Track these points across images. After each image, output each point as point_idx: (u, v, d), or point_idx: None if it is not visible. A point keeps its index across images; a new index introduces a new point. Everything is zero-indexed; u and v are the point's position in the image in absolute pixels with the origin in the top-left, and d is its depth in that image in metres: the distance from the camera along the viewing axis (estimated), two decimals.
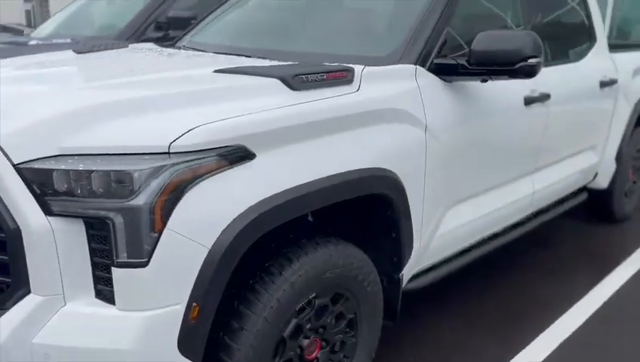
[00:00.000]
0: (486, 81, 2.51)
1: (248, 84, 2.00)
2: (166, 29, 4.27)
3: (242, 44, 2.84)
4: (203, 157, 1.67)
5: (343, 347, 2.28)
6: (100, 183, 1.60)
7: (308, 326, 2.09)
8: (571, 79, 3.41)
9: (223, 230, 1.70)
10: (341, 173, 1.99)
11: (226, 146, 1.72)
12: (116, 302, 1.64)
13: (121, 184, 1.59)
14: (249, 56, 2.62)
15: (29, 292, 1.65)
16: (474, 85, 2.60)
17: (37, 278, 1.64)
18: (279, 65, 2.26)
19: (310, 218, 2.47)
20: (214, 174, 1.69)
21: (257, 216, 1.75)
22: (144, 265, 1.60)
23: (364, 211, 2.34)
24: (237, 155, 1.74)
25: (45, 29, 5.30)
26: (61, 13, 5.36)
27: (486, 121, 2.70)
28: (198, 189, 1.66)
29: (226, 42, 2.94)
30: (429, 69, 2.45)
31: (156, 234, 1.60)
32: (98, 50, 2.85)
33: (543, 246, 4.09)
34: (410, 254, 2.42)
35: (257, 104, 1.88)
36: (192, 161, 1.66)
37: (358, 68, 2.22)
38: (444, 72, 2.48)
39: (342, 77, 2.13)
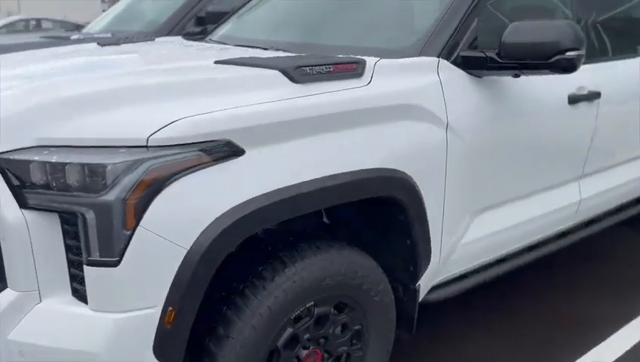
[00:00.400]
0: (518, 76, 2.27)
1: (246, 75, 1.88)
2: (205, 24, 4.25)
3: (263, 36, 2.74)
4: (184, 152, 1.57)
5: (349, 360, 2.13)
6: (74, 176, 1.53)
7: (306, 335, 1.95)
8: (628, 76, 3.07)
9: (203, 230, 1.59)
10: (342, 173, 1.84)
11: (210, 141, 1.61)
12: (89, 302, 1.57)
13: (94, 178, 1.52)
14: (266, 49, 2.52)
15: (6, 286, 1.61)
16: (507, 81, 2.37)
17: (12, 273, 1.59)
18: (283, 57, 2.14)
19: (326, 220, 2.35)
20: (196, 170, 1.59)
21: (242, 217, 1.63)
22: (115, 264, 1.52)
23: (378, 215, 2.18)
24: (223, 151, 1.63)
25: (97, 24, 5.43)
26: (112, 10, 5.47)
27: (521, 121, 2.46)
28: (178, 186, 1.56)
29: (248, 35, 2.85)
30: (455, 63, 2.25)
31: (129, 233, 1.51)
32: (120, 43, 2.82)
33: (593, 257, 3.75)
34: (427, 263, 2.23)
35: (252, 97, 1.76)
36: (171, 155, 1.56)
37: (370, 60, 2.06)
38: (472, 65, 2.27)
39: (350, 69, 1.98)
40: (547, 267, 3.42)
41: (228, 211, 1.62)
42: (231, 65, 1.97)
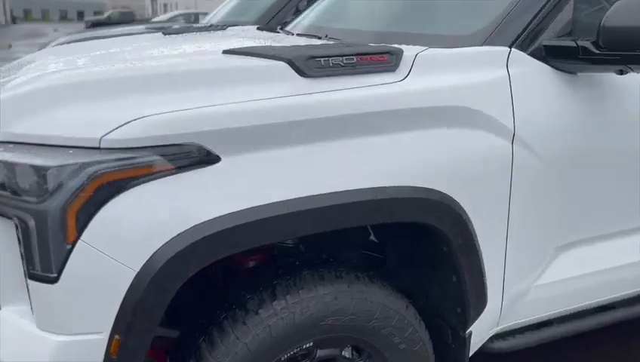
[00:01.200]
0: (623, 72, 1.70)
1: (246, 67, 1.57)
2: None
3: (325, 24, 2.44)
4: (140, 157, 1.33)
5: None
6: (23, 179, 1.36)
7: None
8: None
9: (157, 250, 1.33)
10: (348, 191, 1.47)
11: (175, 145, 1.35)
12: (35, 319, 1.40)
13: (38, 181, 1.33)
14: (319, 37, 2.21)
15: None
16: (610, 78, 1.80)
17: None
18: (299, 46, 1.80)
19: (373, 237, 2.00)
20: (154, 179, 1.34)
21: (205, 238, 1.35)
22: (53, 281, 1.33)
23: (421, 243, 1.77)
24: (190, 157, 1.36)
25: (216, 16, 5.50)
26: (229, 1, 5.50)
27: (631, 133, 1.87)
28: (129, 196, 1.33)
29: (313, 23, 2.57)
30: (535, 54, 1.75)
31: (69, 246, 1.31)
32: (183, 32, 2.70)
33: None
34: (481, 306, 1.77)
35: (242, 93, 1.46)
36: (125, 160, 1.32)
37: (410, 50, 1.65)
38: (559, 58, 1.75)
39: (380, 61, 1.59)
40: None
41: (189, 230, 1.35)
42: (237, 56, 1.69)
